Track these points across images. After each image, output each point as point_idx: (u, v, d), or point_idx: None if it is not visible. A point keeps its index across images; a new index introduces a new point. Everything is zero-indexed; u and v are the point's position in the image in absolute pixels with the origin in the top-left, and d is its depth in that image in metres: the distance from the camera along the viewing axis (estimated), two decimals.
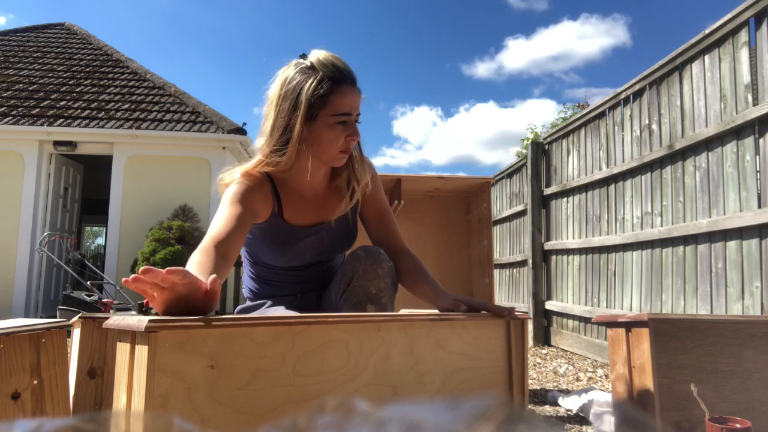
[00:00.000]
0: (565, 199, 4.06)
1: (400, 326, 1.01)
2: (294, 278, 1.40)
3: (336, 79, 1.21)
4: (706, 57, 2.57)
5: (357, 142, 1.34)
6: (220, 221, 1.17)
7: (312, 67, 1.22)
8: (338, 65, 1.23)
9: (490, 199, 2.81)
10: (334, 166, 1.34)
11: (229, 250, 1.12)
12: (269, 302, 1.39)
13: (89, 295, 4.59)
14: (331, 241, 1.38)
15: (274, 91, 1.26)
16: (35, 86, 7.23)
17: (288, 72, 1.24)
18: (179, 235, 5.67)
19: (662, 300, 2.83)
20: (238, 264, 5.56)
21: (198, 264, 1.02)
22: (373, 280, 1.25)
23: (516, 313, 1.21)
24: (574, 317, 3.80)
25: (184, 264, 1.12)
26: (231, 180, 1.29)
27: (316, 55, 1.24)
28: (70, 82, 7.42)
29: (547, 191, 4.30)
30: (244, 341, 0.82)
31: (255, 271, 1.43)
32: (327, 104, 1.20)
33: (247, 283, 1.48)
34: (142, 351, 0.74)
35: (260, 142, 1.29)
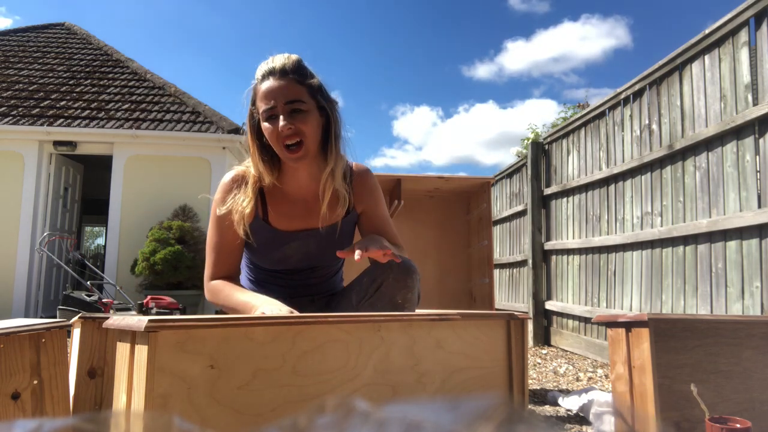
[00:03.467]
0: (565, 199, 4.06)
1: (400, 326, 1.01)
2: (282, 282, 1.41)
3: (260, 80, 1.26)
4: (706, 57, 2.57)
5: (329, 138, 1.30)
6: (217, 248, 1.33)
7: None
8: (265, 65, 1.27)
9: (490, 199, 2.81)
10: (316, 170, 1.34)
11: (235, 273, 1.36)
12: None
13: (89, 295, 4.59)
14: (319, 249, 1.37)
15: None
16: (35, 86, 7.23)
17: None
18: (179, 235, 5.66)
19: (662, 300, 2.83)
20: None
21: (233, 287, 1.29)
22: (402, 290, 1.25)
23: (516, 313, 1.21)
24: (574, 317, 3.80)
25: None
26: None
27: (259, 65, 1.29)
28: (70, 82, 7.42)
29: (547, 191, 4.30)
30: (244, 341, 0.82)
31: (250, 273, 1.46)
32: (257, 106, 1.26)
33: (243, 284, 1.48)
34: (142, 351, 0.74)
35: None
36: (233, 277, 1.35)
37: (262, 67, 1.27)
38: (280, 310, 1.12)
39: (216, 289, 1.31)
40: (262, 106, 1.23)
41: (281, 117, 1.21)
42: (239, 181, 1.32)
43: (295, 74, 1.25)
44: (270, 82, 1.23)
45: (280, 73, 1.24)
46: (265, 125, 1.24)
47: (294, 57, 1.28)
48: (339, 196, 1.34)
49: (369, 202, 1.41)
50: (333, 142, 1.32)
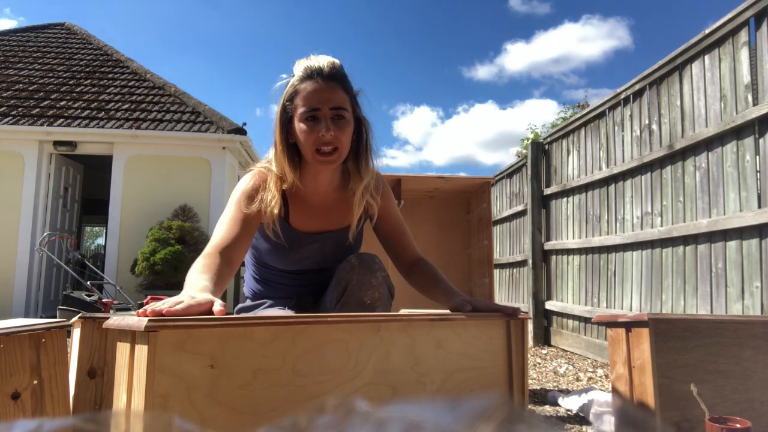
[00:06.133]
0: (565, 199, 4.06)
1: (400, 326, 1.01)
2: (293, 281, 1.40)
3: (303, 77, 1.22)
4: (706, 57, 2.57)
5: (362, 150, 1.29)
6: (226, 224, 1.20)
7: (292, 74, 1.25)
8: (309, 64, 1.23)
9: (490, 199, 2.81)
10: (335, 176, 1.32)
11: (234, 256, 1.16)
12: (268, 302, 1.39)
13: (89, 295, 4.59)
14: (334, 251, 1.37)
15: None
16: (35, 86, 7.23)
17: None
18: (179, 235, 5.66)
19: (662, 300, 2.83)
20: None
21: (203, 266, 1.06)
22: (368, 290, 1.24)
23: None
24: (574, 317, 3.80)
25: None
26: (247, 174, 1.31)
27: (298, 60, 1.26)
28: (70, 82, 7.42)
29: (547, 191, 4.30)
30: (244, 341, 0.82)
31: (257, 272, 1.44)
32: (296, 104, 1.22)
33: (249, 283, 1.48)
34: (142, 351, 0.74)
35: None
36: (228, 262, 1.13)
37: (305, 65, 1.23)
38: (192, 298, 0.89)
39: (196, 262, 1.10)
40: (302, 106, 1.20)
41: (324, 122, 1.18)
42: (262, 181, 1.28)
43: (341, 80, 1.23)
44: (317, 83, 1.20)
45: (328, 76, 1.21)
46: (301, 125, 1.20)
47: (338, 62, 1.26)
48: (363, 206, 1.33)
49: (381, 202, 1.42)
50: (367, 155, 1.30)
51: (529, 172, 4.49)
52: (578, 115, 3.91)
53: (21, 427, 0.25)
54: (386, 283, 1.27)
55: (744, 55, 2.32)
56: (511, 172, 5.28)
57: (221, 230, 1.19)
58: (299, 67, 1.24)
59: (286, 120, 1.24)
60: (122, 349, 0.79)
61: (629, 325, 1.24)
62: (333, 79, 1.22)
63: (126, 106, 6.91)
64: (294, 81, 1.23)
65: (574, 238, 3.88)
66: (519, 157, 5.54)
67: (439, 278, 1.30)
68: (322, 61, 1.23)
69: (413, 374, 1.01)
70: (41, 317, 5.68)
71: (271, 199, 1.25)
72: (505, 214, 5.33)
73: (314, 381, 0.88)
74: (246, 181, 1.29)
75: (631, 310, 3.10)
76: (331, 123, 1.19)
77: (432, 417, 0.25)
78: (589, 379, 2.78)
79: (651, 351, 1.17)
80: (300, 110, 1.20)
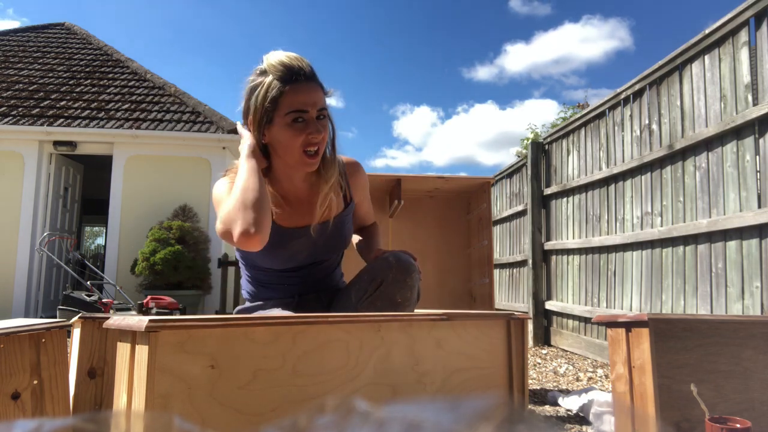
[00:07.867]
0: (565, 199, 4.06)
1: (401, 326, 1.01)
2: (290, 280, 1.39)
3: (285, 79, 1.19)
4: (706, 57, 2.57)
5: (328, 146, 1.28)
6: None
7: (263, 72, 1.22)
8: (288, 63, 1.20)
9: (490, 199, 2.81)
10: (309, 172, 1.30)
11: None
12: (270, 303, 1.39)
13: (89, 295, 4.59)
14: (326, 241, 1.37)
15: (243, 105, 1.27)
16: (35, 86, 7.23)
17: (248, 84, 1.25)
18: (179, 235, 5.67)
19: (662, 300, 2.83)
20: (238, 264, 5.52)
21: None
22: (402, 289, 1.25)
23: (516, 313, 1.21)
24: (574, 317, 3.80)
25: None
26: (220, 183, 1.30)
27: (268, 58, 1.23)
28: (70, 82, 7.42)
29: (547, 191, 4.30)
30: (244, 341, 0.82)
31: (251, 275, 1.43)
32: (279, 106, 1.19)
33: (244, 287, 1.47)
34: (142, 351, 0.74)
35: None
36: None
37: (285, 64, 1.19)
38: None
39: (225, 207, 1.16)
40: (291, 109, 1.18)
41: (313, 124, 1.19)
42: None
43: (318, 80, 1.23)
44: (302, 85, 1.19)
45: (310, 76, 1.21)
46: (286, 128, 1.19)
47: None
48: (335, 197, 1.35)
49: (363, 193, 1.47)
50: (333, 152, 1.31)
51: (529, 172, 4.49)
52: (578, 115, 3.91)
53: (21, 427, 0.25)
54: (417, 284, 1.29)
55: (744, 55, 2.32)
56: (511, 172, 5.28)
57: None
58: (276, 66, 1.20)
59: (265, 122, 1.22)
60: (123, 349, 0.79)
61: (629, 325, 1.24)
62: (313, 79, 1.22)
63: (126, 106, 6.91)
64: (274, 82, 1.19)
65: (574, 238, 3.88)
66: (519, 157, 5.54)
67: (372, 239, 1.50)
68: (301, 61, 1.22)
69: (413, 374, 1.01)
70: (41, 317, 5.68)
71: None
72: (505, 214, 5.33)
73: (314, 381, 0.88)
74: (220, 187, 1.27)
75: (631, 310, 3.11)
76: (318, 124, 1.20)
77: (432, 417, 0.25)
78: (589, 379, 2.78)
79: (651, 351, 1.17)
80: (287, 113, 1.19)
